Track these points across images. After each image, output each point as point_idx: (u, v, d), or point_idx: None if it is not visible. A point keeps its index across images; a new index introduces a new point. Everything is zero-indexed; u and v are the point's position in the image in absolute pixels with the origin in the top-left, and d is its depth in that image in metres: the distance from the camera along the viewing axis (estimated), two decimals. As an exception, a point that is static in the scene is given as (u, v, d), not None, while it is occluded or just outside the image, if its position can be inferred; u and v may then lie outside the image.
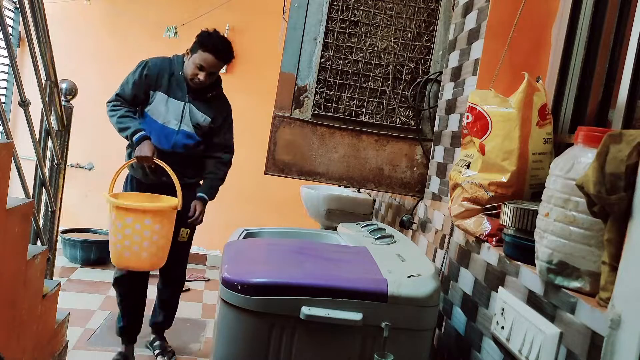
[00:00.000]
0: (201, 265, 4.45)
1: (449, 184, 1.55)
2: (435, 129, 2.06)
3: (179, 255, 2.64)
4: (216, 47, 2.35)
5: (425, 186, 2.11)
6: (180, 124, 2.47)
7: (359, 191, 3.39)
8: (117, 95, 2.47)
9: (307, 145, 2.11)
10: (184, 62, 2.44)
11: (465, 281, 1.53)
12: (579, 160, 0.99)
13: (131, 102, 2.45)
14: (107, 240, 2.34)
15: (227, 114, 2.59)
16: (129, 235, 2.19)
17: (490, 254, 1.36)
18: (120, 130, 2.43)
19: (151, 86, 2.45)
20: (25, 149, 2.46)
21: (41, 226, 2.35)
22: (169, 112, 2.45)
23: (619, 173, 0.83)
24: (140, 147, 2.36)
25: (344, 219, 3.05)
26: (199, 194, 2.53)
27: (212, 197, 2.61)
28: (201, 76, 2.37)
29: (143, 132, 2.38)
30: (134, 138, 2.36)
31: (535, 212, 1.12)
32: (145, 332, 3.01)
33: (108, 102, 2.48)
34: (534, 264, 1.09)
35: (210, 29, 2.47)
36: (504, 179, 1.37)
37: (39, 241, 2.36)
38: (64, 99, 2.40)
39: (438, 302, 1.37)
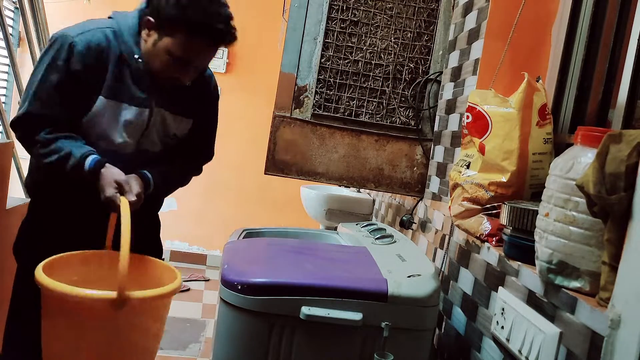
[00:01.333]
0: (201, 265, 4.45)
1: (449, 184, 1.55)
2: (435, 129, 2.06)
3: None
4: (211, 25, 1.35)
5: (425, 186, 2.11)
6: (140, 142, 1.50)
7: (359, 191, 3.39)
8: (33, 115, 1.38)
9: (307, 145, 2.11)
10: (138, 39, 1.43)
11: (465, 281, 1.53)
12: (579, 160, 0.99)
13: (60, 119, 1.40)
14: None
15: (213, 102, 1.64)
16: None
17: (490, 254, 1.36)
18: (56, 164, 1.38)
19: (88, 87, 1.39)
20: (24, 149, 2.47)
21: (41, 226, 2.34)
22: (122, 127, 1.44)
23: (619, 173, 0.84)
24: (103, 180, 1.36)
25: (344, 219, 3.05)
26: (142, 171, 1.46)
27: (158, 186, 1.49)
28: (185, 77, 1.42)
29: (97, 155, 1.39)
30: (86, 164, 1.36)
31: (535, 212, 1.12)
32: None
33: (21, 131, 1.42)
34: (534, 264, 1.09)
35: None
36: (504, 179, 1.37)
37: (39, 241, 2.36)
38: (64, 99, 2.39)
39: (438, 302, 1.37)
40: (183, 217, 4.42)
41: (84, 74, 1.38)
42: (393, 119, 2.12)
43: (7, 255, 1.80)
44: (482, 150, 1.42)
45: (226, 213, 4.39)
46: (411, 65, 2.11)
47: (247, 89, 4.30)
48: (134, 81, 1.43)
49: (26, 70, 3.31)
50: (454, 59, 1.94)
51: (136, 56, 1.42)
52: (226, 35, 1.41)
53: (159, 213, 1.76)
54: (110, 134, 1.45)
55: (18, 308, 1.55)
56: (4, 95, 3.94)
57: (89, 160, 1.37)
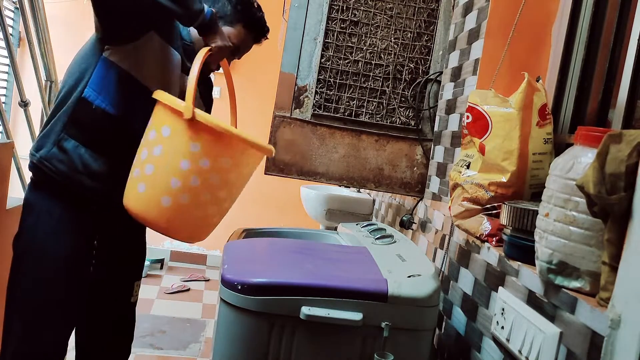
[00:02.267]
0: (201, 265, 4.46)
1: (449, 184, 1.55)
2: (435, 129, 2.06)
3: (129, 325, 1.73)
4: (264, 29, 1.66)
5: (425, 186, 2.11)
6: None
7: (359, 191, 3.39)
8: None
9: (307, 145, 2.11)
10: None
11: (465, 281, 1.53)
12: (579, 160, 0.99)
13: None
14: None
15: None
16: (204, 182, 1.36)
17: (490, 254, 1.36)
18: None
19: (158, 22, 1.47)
20: (25, 149, 2.47)
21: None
22: (169, 84, 1.52)
23: (619, 173, 0.84)
24: (220, 32, 1.48)
25: (344, 219, 3.05)
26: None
27: None
28: (229, 62, 1.62)
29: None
30: (206, 9, 1.43)
31: (535, 212, 1.12)
32: (146, 331, 3.02)
33: None
34: (534, 264, 1.09)
35: None
36: (504, 179, 1.37)
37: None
38: (64, 99, 2.39)
39: (438, 302, 1.37)
40: (183, 217, 4.41)
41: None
42: (393, 119, 2.12)
43: (7, 255, 1.80)
44: (482, 150, 1.42)
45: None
46: (411, 65, 2.11)
47: (247, 89, 4.30)
48: (186, 54, 1.58)
49: (26, 70, 3.32)
50: (454, 59, 1.94)
51: (189, 37, 1.60)
52: (265, 36, 1.70)
53: None
54: (161, 85, 1.49)
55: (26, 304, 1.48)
56: (4, 95, 3.94)
57: (208, 10, 1.44)
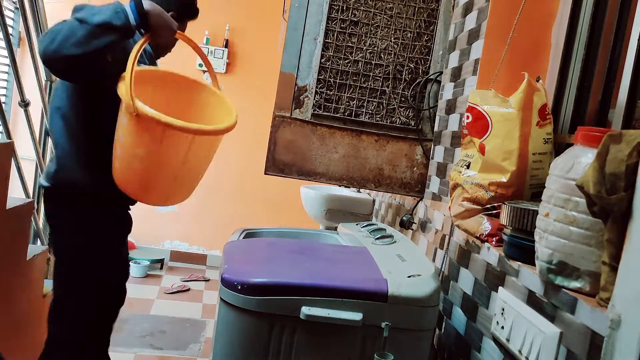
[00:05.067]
0: (201, 265, 4.46)
1: (449, 184, 1.55)
2: (435, 129, 2.06)
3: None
4: (196, 15, 1.90)
5: (425, 186, 2.11)
6: None
7: (359, 191, 3.39)
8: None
9: (307, 145, 2.11)
10: None
11: (465, 281, 1.53)
12: (579, 160, 0.98)
13: None
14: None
15: None
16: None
17: (490, 254, 1.36)
18: (98, 29, 1.38)
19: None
20: (25, 149, 2.47)
21: (41, 226, 2.35)
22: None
23: (619, 173, 0.83)
24: (159, 16, 1.50)
25: (344, 219, 3.05)
26: None
27: None
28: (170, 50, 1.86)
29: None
30: (131, 9, 1.44)
31: (535, 212, 1.12)
32: (146, 331, 3.02)
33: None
34: (534, 264, 1.09)
35: None
36: (504, 179, 1.37)
37: (39, 241, 2.37)
38: (64, 99, 2.39)
39: (438, 302, 1.37)
40: (183, 217, 4.42)
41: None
42: (393, 119, 2.12)
43: (7, 255, 1.80)
44: (482, 150, 1.42)
45: (226, 213, 4.39)
46: (411, 65, 2.11)
47: (247, 89, 4.30)
48: (151, 62, 1.81)
49: (26, 70, 3.31)
50: (454, 59, 1.94)
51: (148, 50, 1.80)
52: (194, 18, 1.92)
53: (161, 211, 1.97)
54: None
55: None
56: (4, 95, 3.94)
57: (131, 2, 1.48)
